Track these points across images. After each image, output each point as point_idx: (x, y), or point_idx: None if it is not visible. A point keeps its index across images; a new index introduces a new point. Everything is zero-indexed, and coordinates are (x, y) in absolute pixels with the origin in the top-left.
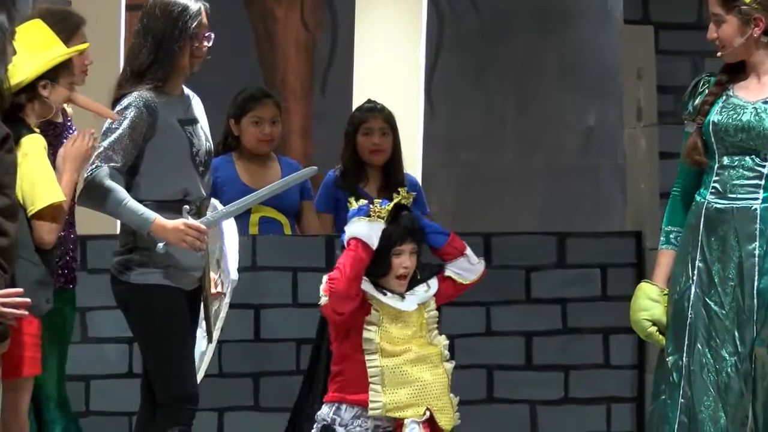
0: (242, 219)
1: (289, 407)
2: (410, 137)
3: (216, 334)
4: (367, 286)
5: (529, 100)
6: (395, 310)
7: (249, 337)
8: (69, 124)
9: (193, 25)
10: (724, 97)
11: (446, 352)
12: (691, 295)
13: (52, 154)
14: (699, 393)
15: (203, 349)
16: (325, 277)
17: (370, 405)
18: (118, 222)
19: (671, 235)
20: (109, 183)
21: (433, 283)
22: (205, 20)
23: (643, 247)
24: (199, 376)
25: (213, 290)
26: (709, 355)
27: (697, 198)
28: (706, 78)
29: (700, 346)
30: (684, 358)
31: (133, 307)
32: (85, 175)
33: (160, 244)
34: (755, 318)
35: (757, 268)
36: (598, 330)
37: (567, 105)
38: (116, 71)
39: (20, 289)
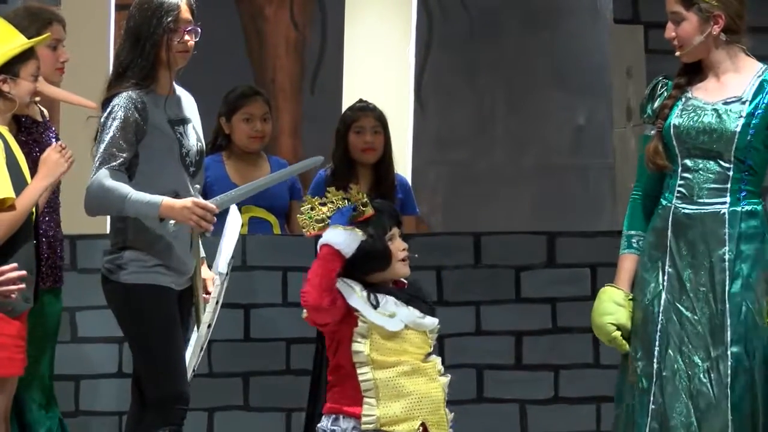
0: None
1: (279, 407)
2: (400, 136)
3: (205, 319)
4: (356, 302)
5: (519, 99)
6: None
7: (239, 336)
8: (48, 123)
9: (169, 20)
10: (683, 99)
11: (441, 368)
12: (662, 301)
13: (39, 152)
14: (671, 399)
15: (192, 340)
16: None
17: (363, 419)
18: (108, 221)
19: (633, 240)
20: (109, 183)
21: (433, 322)
22: (185, 15)
23: None
24: (189, 368)
25: (210, 288)
26: (680, 361)
27: (663, 202)
28: (664, 81)
29: (671, 352)
30: (654, 364)
31: (122, 307)
32: (87, 184)
33: (171, 223)
34: (728, 323)
35: (728, 272)
36: (588, 330)
37: (557, 104)
38: (106, 71)
39: (14, 264)
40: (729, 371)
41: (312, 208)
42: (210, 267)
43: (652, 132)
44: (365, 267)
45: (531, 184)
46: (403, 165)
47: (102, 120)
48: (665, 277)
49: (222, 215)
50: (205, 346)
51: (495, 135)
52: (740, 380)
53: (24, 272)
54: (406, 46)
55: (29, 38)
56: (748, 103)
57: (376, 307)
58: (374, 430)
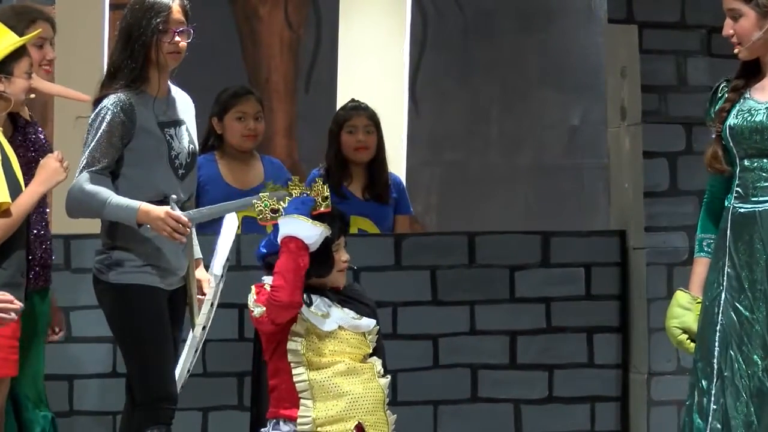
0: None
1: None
2: (394, 136)
3: (200, 321)
4: None
5: (513, 99)
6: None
7: (233, 336)
8: (36, 123)
9: (159, 20)
10: (741, 101)
11: (381, 369)
12: (721, 301)
13: (33, 153)
14: (732, 398)
15: (188, 341)
16: (252, 288)
17: (299, 420)
18: (99, 221)
19: (704, 243)
20: (90, 187)
21: (370, 324)
22: (176, 15)
23: (627, 247)
24: (184, 369)
25: (206, 289)
26: (740, 360)
27: (726, 203)
28: (725, 83)
29: (731, 352)
30: (714, 364)
31: (112, 307)
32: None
33: (148, 227)
34: None
35: None
36: (583, 329)
37: (551, 104)
38: (101, 71)
39: (10, 297)
40: None
41: (271, 197)
42: (207, 268)
43: (712, 134)
44: (308, 269)
45: (525, 184)
46: (397, 165)
47: (90, 121)
48: (725, 278)
49: (218, 218)
50: (200, 347)
51: (489, 135)
52: None
53: (20, 305)
54: (401, 45)
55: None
56: None
57: (309, 305)
58: None
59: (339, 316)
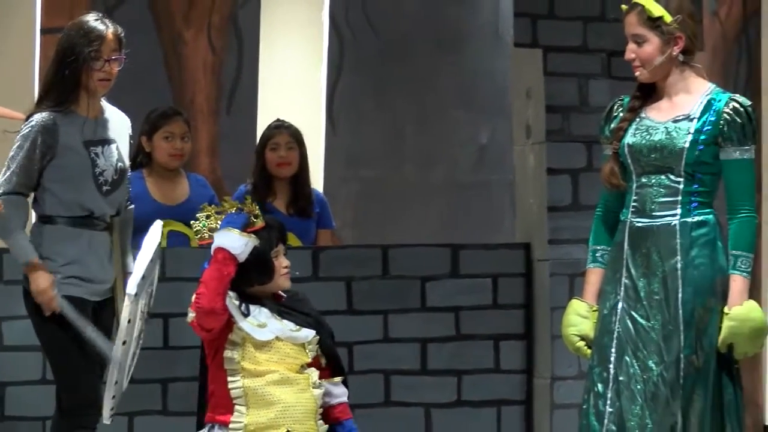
0: None
1: (194, 411)
2: (313, 154)
3: (119, 335)
4: (230, 304)
5: (426, 119)
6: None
7: (158, 345)
8: None
9: (92, 48)
10: (637, 120)
11: (316, 380)
12: (618, 310)
13: None
14: (627, 402)
15: (118, 356)
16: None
17: (232, 425)
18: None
19: (597, 254)
20: (5, 211)
21: (309, 335)
22: (111, 44)
23: (532, 258)
24: (122, 379)
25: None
26: (636, 366)
27: (621, 218)
28: (620, 102)
29: (627, 358)
30: (611, 370)
31: (35, 317)
32: None
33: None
34: (681, 328)
35: (680, 280)
36: (490, 336)
37: (462, 123)
38: (32, 93)
39: None
40: (681, 374)
41: (208, 217)
42: None
43: (606, 151)
44: (248, 278)
45: (437, 199)
46: (315, 181)
47: (17, 137)
48: (622, 288)
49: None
50: (131, 360)
51: (403, 152)
52: (690, 381)
53: None
54: (318, 68)
55: None
56: (696, 120)
57: (246, 315)
58: None
59: (277, 327)
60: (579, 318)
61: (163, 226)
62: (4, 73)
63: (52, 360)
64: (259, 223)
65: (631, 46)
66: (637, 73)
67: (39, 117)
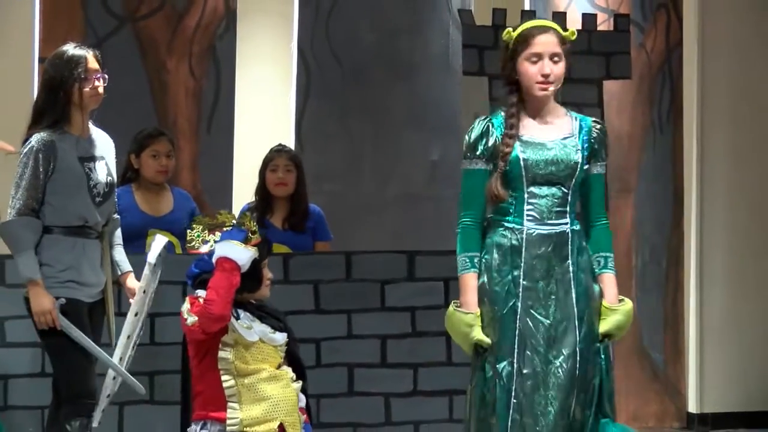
0: (140, 240)
1: (178, 401)
2: None
3: (132, 308)
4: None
5: (384, 139)
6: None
7: (146, 341)
8: None
9: (79, 70)
10: (524, 135)
11: (293, 375)
12: (519, 310)
13: None
14: (531, 392)
15: (123, 327)
16: (186, 301)
17: (228, 421)
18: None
19: (475, 260)
20: (19, 232)
21: (282, 338)
22: (92, 65)
23: None
24: (127, 353)
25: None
26: (537, 360)
27: (509, 225)
28: (489, 122)
29: (529, 353)
30: (515, 364)
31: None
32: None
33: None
34: (576, 323)
35: (572, 282)
36: (442, 333)
37: (415, 143)
38: (29, 119)
39: None
40: (577, 365)
41: (202, 229)
42: (138, 279)
43: (479, 167)
44: (242, 286)
45: (394, 211)
46: None
47: (20, 157)
48: (520, 290)
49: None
50: (137, 335)
51: (363, 169)
52: (583, 370)
53: None
54: (288, 94)
55: None
56: (576, 138)
57: (237, 319)
58: None
59: (260, 329)
60: (468, 328)
61: (150, 234)
62: (3, 100)
63: (53, 354)
64: (257, 237)
65: (548, 62)
66: (547, 90)
67: (38, 136)
